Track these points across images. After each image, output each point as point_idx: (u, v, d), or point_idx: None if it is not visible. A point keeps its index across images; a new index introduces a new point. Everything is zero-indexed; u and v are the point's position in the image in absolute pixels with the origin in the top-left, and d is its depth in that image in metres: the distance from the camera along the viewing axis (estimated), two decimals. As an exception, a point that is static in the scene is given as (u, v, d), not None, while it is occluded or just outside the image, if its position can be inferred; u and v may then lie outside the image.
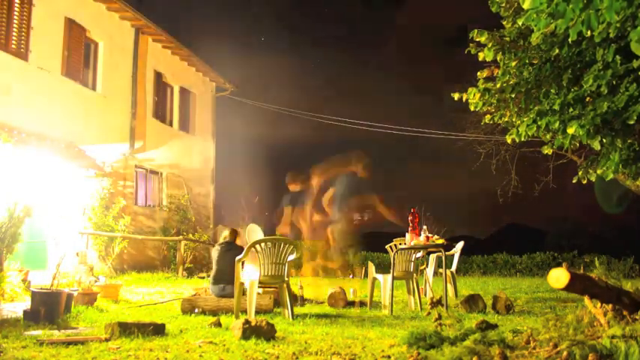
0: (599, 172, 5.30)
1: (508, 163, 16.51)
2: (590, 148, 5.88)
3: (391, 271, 6.28)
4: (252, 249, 5.41)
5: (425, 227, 6.15)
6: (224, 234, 6.48)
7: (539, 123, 4.76)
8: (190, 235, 13.41)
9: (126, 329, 4.01)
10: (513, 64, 5.28)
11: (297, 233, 6.83)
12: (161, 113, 14.63)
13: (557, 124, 4.61)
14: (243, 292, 5.50)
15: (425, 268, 7.95)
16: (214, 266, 6.14)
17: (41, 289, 5.19)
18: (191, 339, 4.02)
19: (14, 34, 9.64)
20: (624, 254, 15.81)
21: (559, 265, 4.65)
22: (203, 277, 11.52)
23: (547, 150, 6.26)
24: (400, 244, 6.76)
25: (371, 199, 6.31)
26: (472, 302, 6.17)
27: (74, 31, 11.16)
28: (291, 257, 5.55)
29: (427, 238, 6.02)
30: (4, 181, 8.32)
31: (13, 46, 9.61)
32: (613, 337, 3.00)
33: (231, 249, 6.12)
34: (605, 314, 3.37)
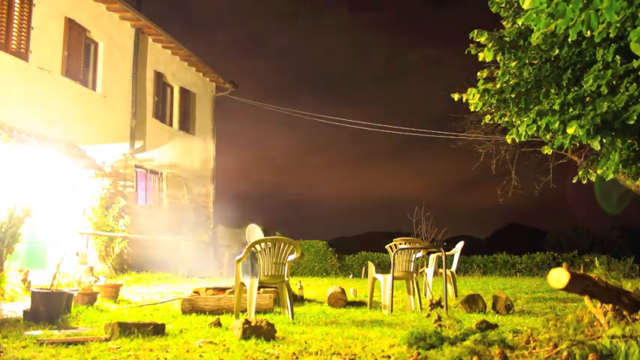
0: (599, 172, 5.30)
1: (508, 163, 16.49)
2: (590, 148, 5.88)
3: (391, 271, 6.28)
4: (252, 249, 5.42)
5: None
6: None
7: (539, 123, 4.76)
8: (190, 235, 13.40)
9: (126, 329, 4.01)
10: (513, 64, 5.28)
11: None
12: (161, 113, 14.62)
13: (557, 124, 4.61)
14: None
15: (424, 270, 7.94)
16: None
17: (41, 289, 5.19)
18: (191, 339, 4.02)
19: (14, 34, 9.63)
20: (624, 254, 15.81)
21: (559, 265, 4.64)
22: (203, 277, 11.52)
23: (547, 150, 6.26)
24: (400, 244, 6.76)
25: None
26: (472, 302, 6.18)
27: (74, 31, 11.16)
28: (291, 257, 5.56)
29: None
30: (4, 181, 8.32)
31: (13, 46, 9.61)
32: (613, 337, 3.01)
33: None
34: (605, 314, 3.37)
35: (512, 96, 5.21)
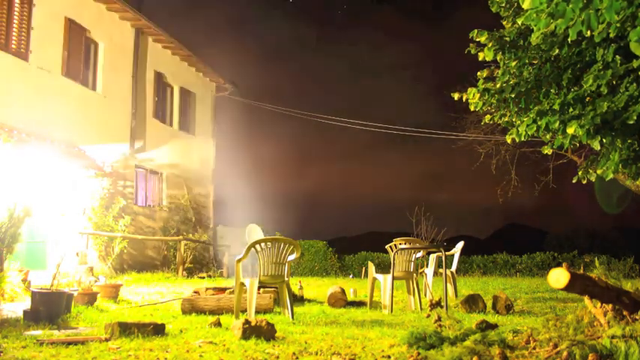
0: (599, 172, 5.30)
1: (508, 163, 16.49)
2: (590, 148, 5.88)
3: (391, 271, 6.28)
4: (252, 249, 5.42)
5: None
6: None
7: (539, 123, 4.76)
8: (190, 235, 13.41)
9: (126, 329, 4.01)
10: (513, 64, 5.28)
11: None
12: (161, 113, 14.62)
13: (557, 124, 4.61)
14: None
15: (424, 270, 7.94)
16: None
17: (41, 289, 5.19)
18: (191, 339, 4.02)
19: (14, 34, 9.64)
20: (624, 254, 15.81)
21: (559, 265, 4.64)
22: (203, 277, 11.53)
23: (547, 150, 6.26)
24: (400, 244, 6.76)
25: None
26: (472, 302, 6.18)
27: (74, 31, 11.16)
28: (291, 257, 5.56)
29: None
30: (4, 181, 8.32)
31: (13, 46, 9.61)
32: (613, 337, 3.01)
33: None
34: (605, 314, 3.37)
35: (512, 96, 5.21)
